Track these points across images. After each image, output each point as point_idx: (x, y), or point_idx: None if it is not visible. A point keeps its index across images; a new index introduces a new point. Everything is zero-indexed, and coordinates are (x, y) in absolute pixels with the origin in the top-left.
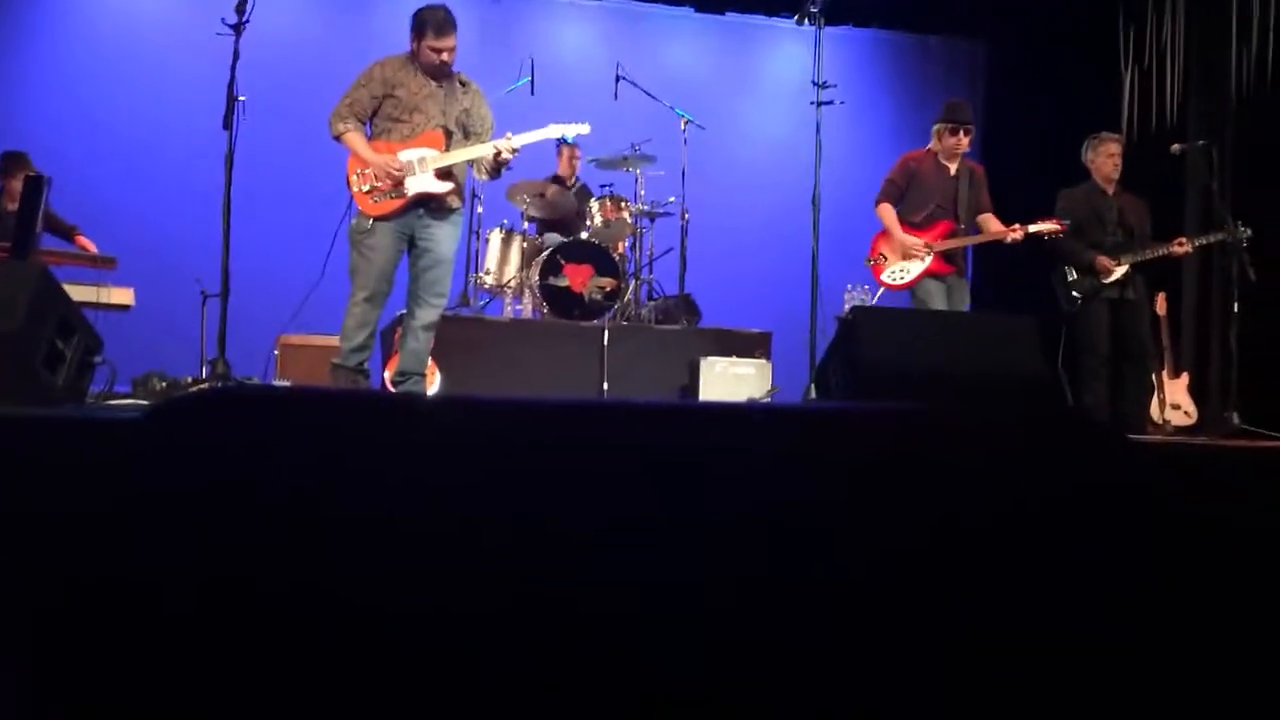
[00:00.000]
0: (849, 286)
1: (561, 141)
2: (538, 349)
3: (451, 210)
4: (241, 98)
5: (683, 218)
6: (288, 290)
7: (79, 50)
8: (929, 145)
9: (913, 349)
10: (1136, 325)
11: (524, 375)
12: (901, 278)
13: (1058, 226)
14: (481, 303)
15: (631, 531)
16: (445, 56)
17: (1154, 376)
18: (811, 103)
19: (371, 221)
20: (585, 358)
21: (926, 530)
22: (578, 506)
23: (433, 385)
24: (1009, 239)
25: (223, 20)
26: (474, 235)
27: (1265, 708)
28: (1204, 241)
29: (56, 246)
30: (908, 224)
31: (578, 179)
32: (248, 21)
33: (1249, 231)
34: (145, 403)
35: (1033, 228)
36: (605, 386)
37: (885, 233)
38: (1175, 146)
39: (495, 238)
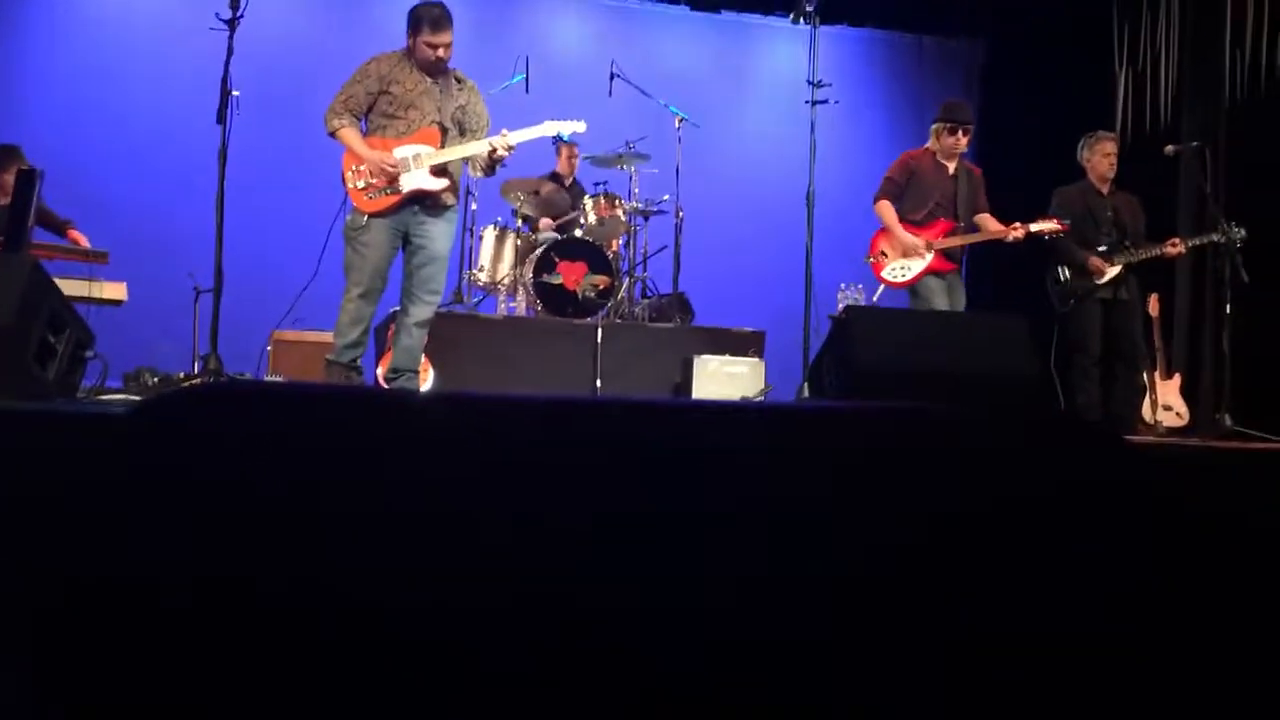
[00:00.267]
0: (843, 285)
1: (559, 139)
2: (531, 346)
3: (446, 207)
4: (235, 92)
5: (677, 216)
6: (281, 286)
7: (73, 44)
8: (927, 144)
9: (906, 348)
10: (1129, 326)
11: (517, 373)
12: (903, 275)
13: (1058, 226)
14: (475, 300)
15: (629, 528)
16: (441, 52)
17: (1146, 377)
18: (806, 102)
19: (366, 218)
20: (579, 355)
21: (924, 528)
22: (574, 502)
23: (426, 382)
24: (1010, 238)
25: (217, 15)
26: (468, 232)
27: (1262, 702)
28: (1198, 242)
29: (49, 240)
30: (907, 222)
31: (574, 177)
32: (242, 16)
33: (1242, 233)
34: (137, 398)
35: (1034, 227)
36: (598, 384)
37: (884, 230)
38: (1169, 148)
39: (489, 234)
